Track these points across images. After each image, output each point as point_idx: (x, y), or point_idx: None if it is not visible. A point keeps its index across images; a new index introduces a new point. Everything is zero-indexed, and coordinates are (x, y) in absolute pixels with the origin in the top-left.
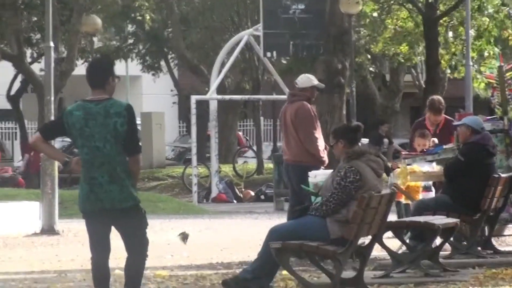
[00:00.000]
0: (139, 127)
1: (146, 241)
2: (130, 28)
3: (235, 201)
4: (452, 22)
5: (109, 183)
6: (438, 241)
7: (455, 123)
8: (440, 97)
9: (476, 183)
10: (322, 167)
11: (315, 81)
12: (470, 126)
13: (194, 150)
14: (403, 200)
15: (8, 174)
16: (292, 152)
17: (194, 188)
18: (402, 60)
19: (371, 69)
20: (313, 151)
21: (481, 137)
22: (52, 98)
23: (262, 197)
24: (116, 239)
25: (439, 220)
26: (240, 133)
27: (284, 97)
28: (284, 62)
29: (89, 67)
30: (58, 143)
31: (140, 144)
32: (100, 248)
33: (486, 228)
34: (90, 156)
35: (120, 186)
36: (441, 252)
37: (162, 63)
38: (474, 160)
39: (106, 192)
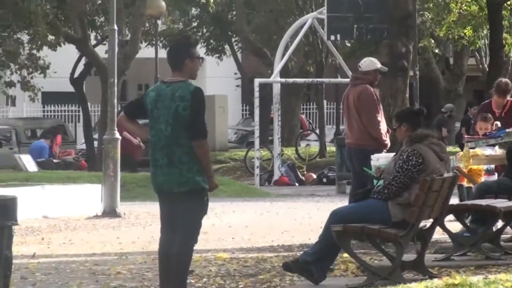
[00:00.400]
0: None
1: (194, 228)
2: (194, 11)
3: (297, 184)
4: None
5: (168, 166)
6: (499, 224)
7: None
8: (507, 80)
9: None
10: (384, 150)
11: (378, 65)
12: None
13: (257, 133)
14: (465, 183)
15: (71, 157)
16: (355, 136)
17: (256, 171)
18: (466, 44)
19: (435, 51)
20: (375, 135)
21: None
22: (116, 81)
23: (325, 180)
24: None
25: (501, 203)
26: (303, 116)
27: (347, 80)
28: (348, 45)
29: (168, 48)
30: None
31: (205, 129)
32: (165, 230)
33: None
34: (155, 138)
35: (180, 170)
36: (502, 236)
37: (226, 46)
38: None
39: (165, 175)
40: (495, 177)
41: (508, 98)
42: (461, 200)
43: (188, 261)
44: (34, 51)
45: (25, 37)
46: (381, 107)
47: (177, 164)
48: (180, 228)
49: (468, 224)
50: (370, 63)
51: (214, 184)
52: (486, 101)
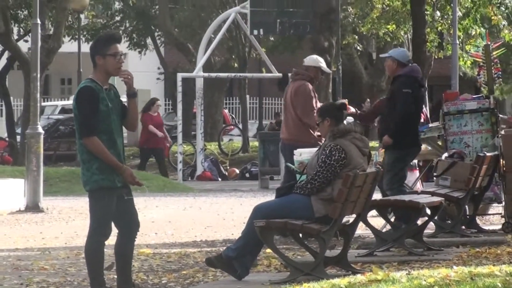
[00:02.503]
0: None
1: (93, 225)
2: (117, 5)
3: (220, 179)
4: (439, 1)
5: (80, 165)
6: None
7: (382, 55)
8: None
9: (417, 116)
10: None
11: (322, 64)
12: (396, 59)
13: (179, 128)
14: None
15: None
16: (289, 131)
17: (179, 166)
18: (389, 39)
19: (357, 47)
20: (310, 123)
21: (410, 69)
22: (38, 75)
23: (247, 175)
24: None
25: (424, 198)
26: (226, 111)
27: (269, 75)
28: (272, 39)
29: None
30: (44, 120)
31: (86, 127)
32: None
33: (467, 207)
34: None
35: (82, 169)
36: (425, 231)
37: (149, 40)
38: (413, 92)
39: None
40: (417, 173)
41: None
42: (383, 195)
43: (91, 255)
44: None
45: None
46: (318, 105)
47: (81, 163)
48: None
49: (391, 220)
50: (313, 60)
51: (129, 175)
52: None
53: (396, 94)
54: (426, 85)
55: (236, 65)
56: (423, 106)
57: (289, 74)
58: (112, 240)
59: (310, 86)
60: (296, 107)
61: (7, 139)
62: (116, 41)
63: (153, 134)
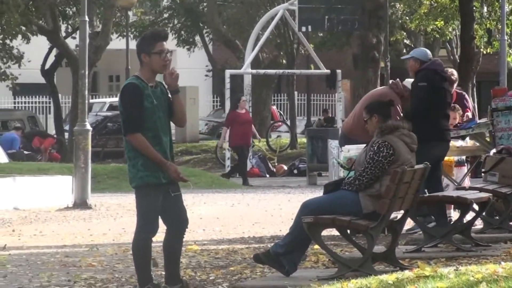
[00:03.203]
0: None
1: (140, 221)
2: (166, 2)
3: (268, 176)
4: None
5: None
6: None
7: (403, 57)
8: (452, 70)
9: (436, 109)
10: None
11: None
12: (418, 59)
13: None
14: None
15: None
16: (353, 126)
17: (227, 162)
18: (437, 36)
19: (407, 42)
20: None
21: (430, 62)
22: (86, 72)
23: (295, 171)
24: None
25: (472, 194)
26: (274, 107)
27: (317, 71)
28: (320, 35)
29: None
30: (92, 117)
31: (130, 124)
32: None
33: None
34: None
35: (128, 166)
36: (473, 227)
37: (197, 37)
38: (431, 84)
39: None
40: (465, 169)
41: (455, 89)
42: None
43: (138, 252)
44: (7, 41)
45: None
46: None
47: (127, 160)
48: None
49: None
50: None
51: (173, 171)
52: None
53: (413, 88)
54: (474, 81)
55: (284, 61)
56: (467, 100)
57: (337, 71)
58: (160, 236)
59: (397, 103)
60: None
61: (55, 136)
62: (162, 39)
63: (242, 130)
